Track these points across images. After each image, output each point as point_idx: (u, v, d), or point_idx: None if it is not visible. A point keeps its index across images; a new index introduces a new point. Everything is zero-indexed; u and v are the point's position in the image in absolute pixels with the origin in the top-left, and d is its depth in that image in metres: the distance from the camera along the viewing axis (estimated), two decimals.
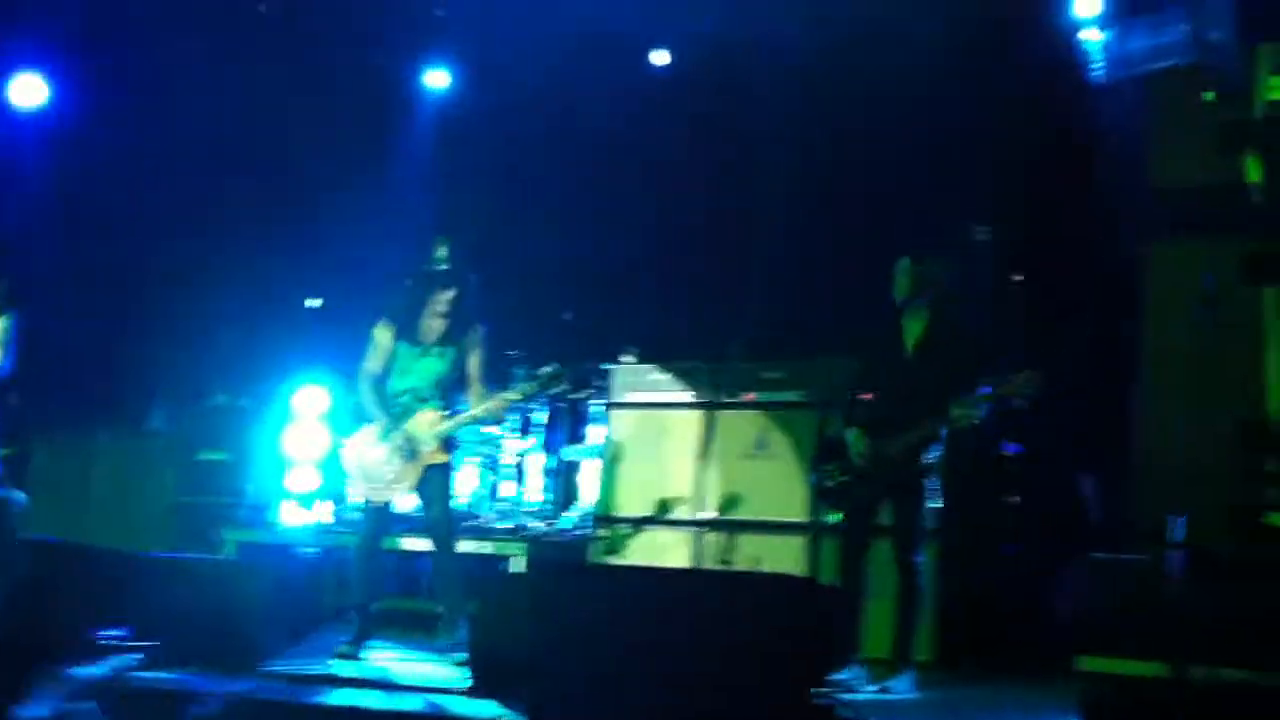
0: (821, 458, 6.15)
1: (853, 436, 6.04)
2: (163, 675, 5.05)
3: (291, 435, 9.11)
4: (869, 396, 6.21)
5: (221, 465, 9.24)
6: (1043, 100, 8.23)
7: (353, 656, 6.07)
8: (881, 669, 5.87)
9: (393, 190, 10.39)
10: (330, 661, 5.79)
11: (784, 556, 7.23)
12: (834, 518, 6.08)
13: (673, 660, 4.16)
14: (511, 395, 6.51)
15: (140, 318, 10.26)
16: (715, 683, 4.10)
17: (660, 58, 9.82)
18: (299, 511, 8.84)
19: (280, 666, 5.41)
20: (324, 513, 8.82)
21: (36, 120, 10.34)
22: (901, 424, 5.91)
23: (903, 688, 5.73)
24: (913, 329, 6.13)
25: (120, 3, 9.66)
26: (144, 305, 10.31)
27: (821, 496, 6.11)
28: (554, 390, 6.61)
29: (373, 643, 6.29)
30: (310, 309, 10.40)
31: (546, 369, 6.47)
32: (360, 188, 10.28)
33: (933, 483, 6.00)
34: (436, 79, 10.52)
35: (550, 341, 8.71)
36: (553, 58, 9.42)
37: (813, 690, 4.25)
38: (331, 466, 8.82)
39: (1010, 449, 7.87)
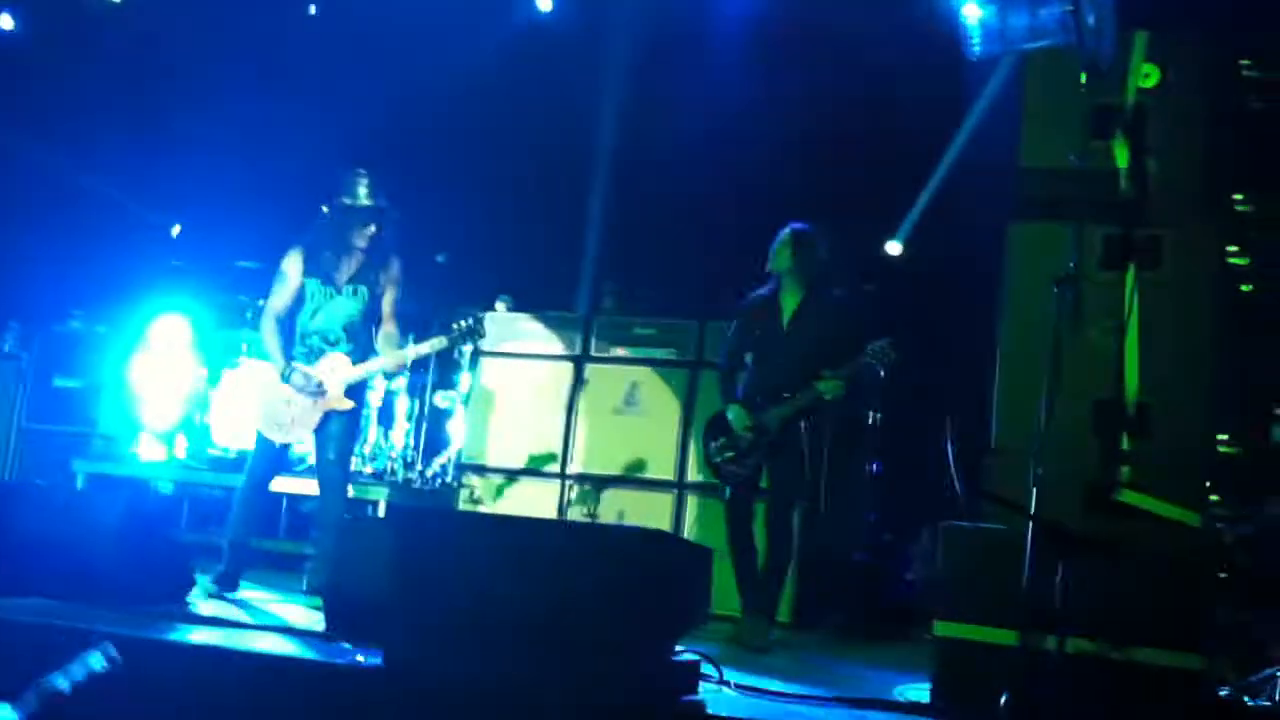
0: (710, 435, 6.29)
1: (733, 413, 6.19)
2: (12, 603, 4.89)
3: (145, 365, 8.85)
4: (744, 364, 6.34)
5: (75, 393, 8.95)
6: (917, 74, 8.34)
7: (220, 596, 5.97)
8: (742, 626, 5.98)
9: (264, 116, 10.11)
10: (188, 600, 5.67)
11: (650, 512, 7.32)
12: (726, 491, 6.25)
13: (531, 610, 4.15)
14: (423, 348, 6.40)
15: None
16: (573, 634, 4.11)
17: (544, 3, 9.70)
18: (155, 446, 8.61)
19: (131, 602, 5.27)
20: (181, 448, 8.60)
21: None
22: (776, 395, 6.06)
23: (768, 641, 5.84)
24: (789, 301, 6.23)
25: None
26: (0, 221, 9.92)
27: (714, 473, 6.30)
28: (467, 344, 6.50)
29: (243, 582, 6.19)
30: (173, 237, 10.09)
31: (463, 322, 6.39)
32: (233, 113, 9.99)
33: (807, 454, 6.14)
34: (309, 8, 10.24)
35: (422, 284, 8.58)
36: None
37: (674, 645, 4.30)
38: (195, 400, 8.61)
39: (871, 416, 8.06)
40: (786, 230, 6.23)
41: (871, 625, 7.12)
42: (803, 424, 6.07)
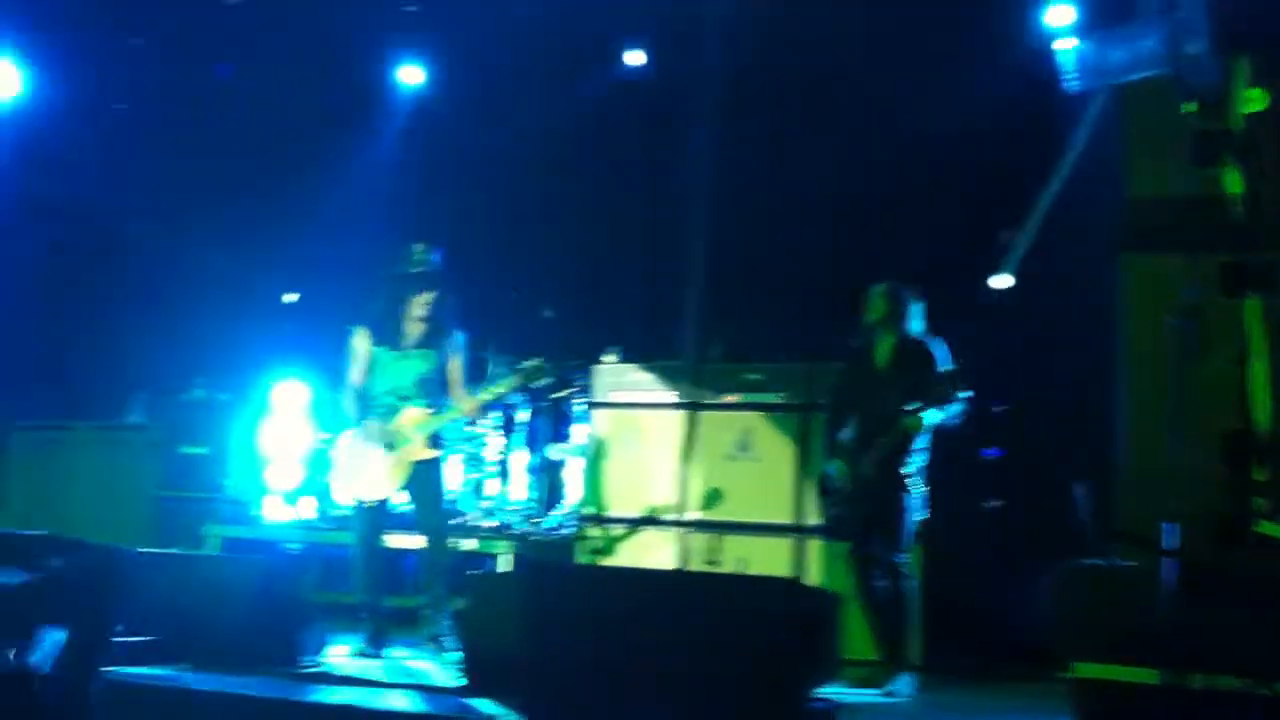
0: (821, 494, 6.49)
1: (835, 468, 6.34)
2: (159, 671, 5.05)
3: (270, 429, 9.11)
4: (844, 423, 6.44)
5: (202, 459, 9.22)
6: (1017, 110, 8.33)
7: (371, 655, 6.12)
8: (878, 672, 5.99)
9: (369, 185, 10.39)
10: (322, 660, 5.81)
11: (770, 558, 7.30)
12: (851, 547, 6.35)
13: (666, 662, 4.20)
14: (495, 389, 6.55)
15: (120, 311, 10.23)
16: (710, 685, 4.15)
17: (635, 57, 9.84)
18: (282, 507, 8.84)
19: (270, 663, 5.42)
20: (307, 509, 8.82)
21: (10, 111, 10.29)
22: (872, 441, 6.19)
23: (903, 690, 5.85)
24: (882, 349, 6.39)
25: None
26: (124, 298, 10.28)
27: (833, 533, 6.50)
28: (536, 384, 6.65)
29: (391, 644, 6.33)
30: (287, 305, 10.38)
31: (528, 363, 6.49)
32: (339, 182, 10.28)
33: (918, 492, 6.17)
34: (411, 75, 10.50)
35: (532, 340, 8.73)
36: (531, 51, 9.44)
37: (810, 694, 4.31)
38: (316, 462, 8.83)
39: (990, 454, 7.98)
40: (878, 287, 6.42)
41: (1003, 667, 7.02)
42: (900, 468, 6.15)
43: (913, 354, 6.29)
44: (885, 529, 6.15)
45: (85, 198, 10.29)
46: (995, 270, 8.84)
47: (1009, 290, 8.84)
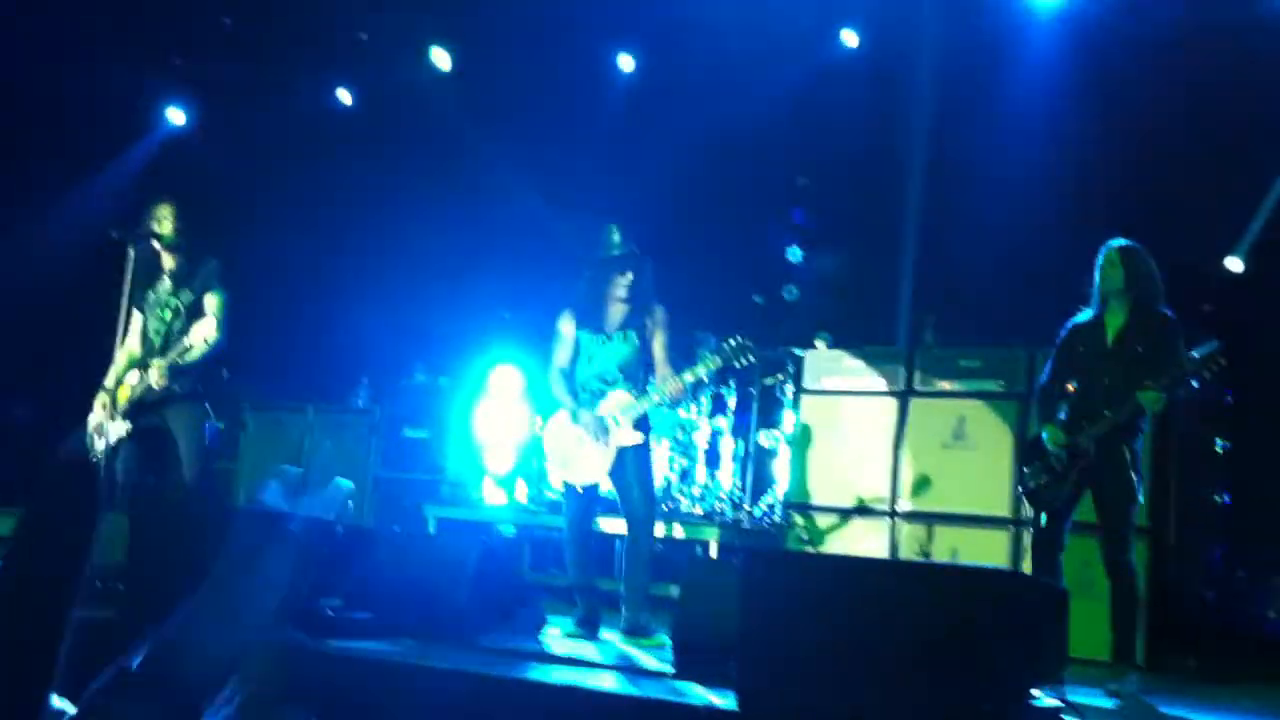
0: (1025, 459, 6.05)
1: (1048, 432, 5.89)
2: (383, 646, 5.21)
3: (486, 413, 9.34)
4: (1067, 389, 6.03)
5: (422, 442, 9.52)
6: (1248, 83, 7.90)
7: (584, 637, 6.21)
8: (1104, 672, 5.74)
9: (580, 173, 10.53)
10: (541, 639, 5.92)
11: (984, 550, 7.13)
12: (1042, 518, 5.91)
13: (884, 652, 4.12)
14: (698, 370, 6.50)
15: (348, 299, 10.64)
16: (928, 678, 4.06)
17: (850, 38, 9.70)
18: (497, 490, 9.06)
19: (490, 642, 5.54)
20: (521, 492, 9.02)
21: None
22: (1097, 415, 5.74)
23: (1129, 690, 5.58)
24: (1113, 320, 5.93)
25: None
26: (351, 287, 10.69)
27: (1028, 499, 5.99)
28: (739, 363, 6.55)
29: (603, 625, 6.39)
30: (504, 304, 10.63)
31: (731, 341, 6.43)
32: (550, 170, 10.45)
33: (1136, 478, 5.75)
34: (624, 62, 10.58)
35: (741, 326, 8.71)
36: (744, 36, 9.40)
37: (1032, 690, 4.18)
38: (530, 446, 9.02)
39: (1220, 445, 7.63)
40: (1113, 248, 5.92)
41: (1230, 667, 6.70)
42: (1125, 446, 5.71)
43: (1157, 329, 5.79)
44: (1112, 516, 5.72)
45: (316, 192, 10.75)
46: (1228, 253, 8.44)
47: (1241, 274, 8.44)
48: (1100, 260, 5.95)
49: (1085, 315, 6.03)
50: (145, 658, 4.53)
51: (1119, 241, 5.93)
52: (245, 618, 4.97)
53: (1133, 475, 5.70)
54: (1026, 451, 6.09)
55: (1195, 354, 5.56)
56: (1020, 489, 6.10)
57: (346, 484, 7.75)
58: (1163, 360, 5.67)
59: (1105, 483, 5.74)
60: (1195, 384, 5.68)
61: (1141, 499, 5.79)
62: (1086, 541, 6.12)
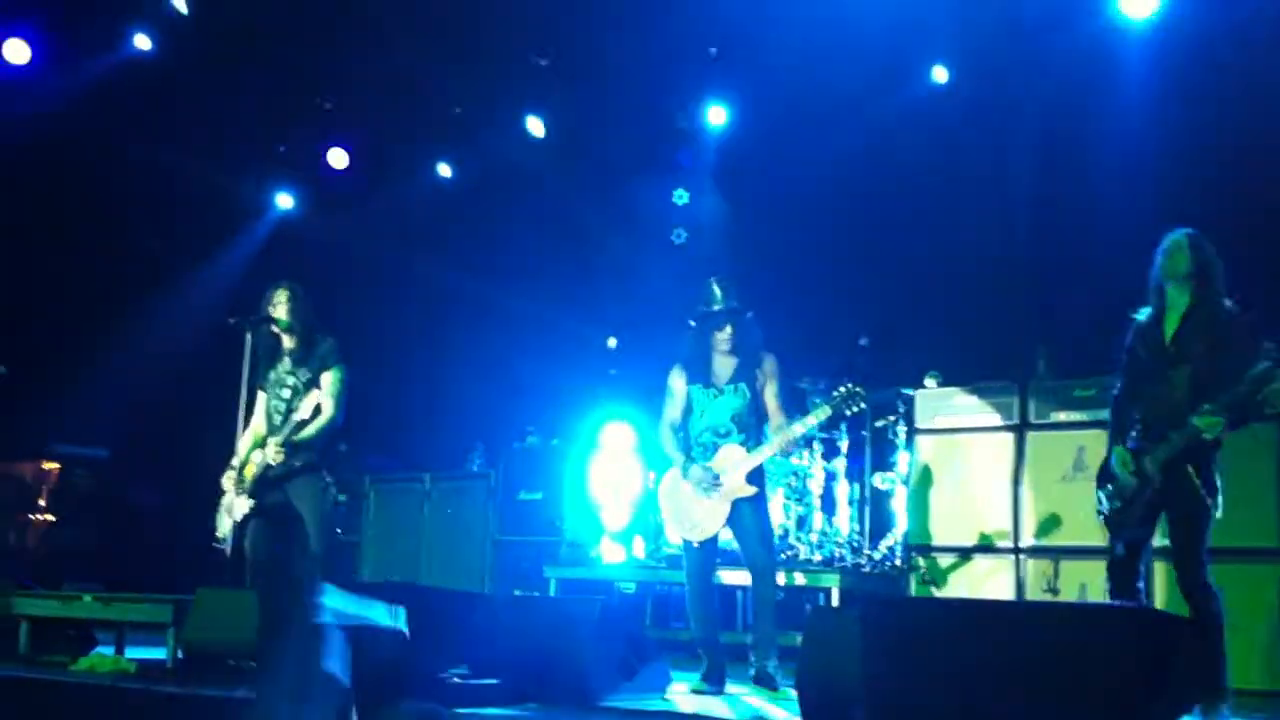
0: (1100, 482, 5.63)
1: (1117, 455, 5.51)
2: (509, 712, 5.24)
3: (601, 471, 9.40)
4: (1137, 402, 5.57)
5: (538, 504, 9.61)
6: None
7: (710, 692, 6.18)
8: (1257, 701, 5.50)
9: (679, 223, 10.62)
10: (667, 697, 5.91)
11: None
12: (1119, 548, 5.54)
13: (1010, 696, 4.05)
14: (809, 420, 6.48)
15: (455, 369, 10.83)
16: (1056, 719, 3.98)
17: (940, 74, 9.66)
18: (615, 548, 9.09)
19: (615, 702, 5.55)
20: (639, 548, 9.04)
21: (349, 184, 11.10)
22: (1160, 434, 5.33)
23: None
24: (1172, 316, 5.47)
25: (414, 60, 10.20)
26: (457, 356, 10.88)
27: (1105, 525, 5.63)
28: (850, 411, 6.51)
29: (729, 679, 6.35)
30: (610, 349, 10.72)
31: (842, 389, 6.40)
32: (648, 224, 10.56)
33: (1212, 497, 5.29)
34: (715, 115, 10.67)
35: (849, 368, 8.67)
36: (829, 81, 9.42)
37: None
38: (645, 501, 9.05)
39: None
40: (1179, 233, 5.48)
41: None
42: (1191, 465, 5.25)
43: (1220, 325, 5.32)
44: (1181, 538, 5.31)
45: (417, 261, 11.00)
46: None
47: None
48: (1164, 245, 5.51)
49: (1144, 313, 5.61)
50: None
51: (1182, 230, 5.50)
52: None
53: (1203, 492, 5.26)
54: (1101, 475, 5.66)
55: (1253, 373, 5.08)
56: (1099, 514, 5.68)
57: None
58: (1226, 370, 5.21)
59: (1173, 504, 5.35)
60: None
61: (1218, 513, 5.30)
62: (1214, 569, 5.94)
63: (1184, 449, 5.25)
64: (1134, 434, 5.49)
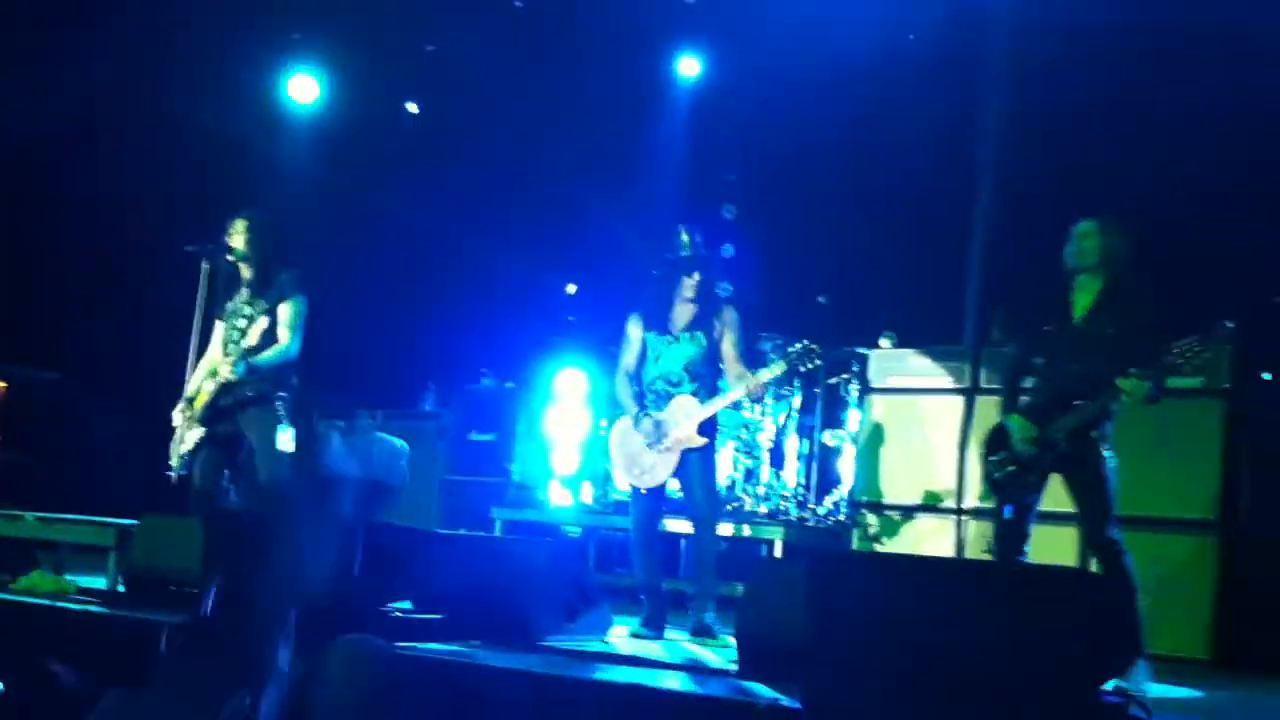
0: (989, 449, 5.76)
1: (1014, 423, 5.63)
2: (451, 648, 5.28)
3: (553, 416, 9.43)
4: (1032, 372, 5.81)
5: (489, 445, 9.64)
6: None
7: (650, 636, 6.24)
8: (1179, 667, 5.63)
9: (647, 175, 10.59)
10: (606, 639, 5.97)
11: (1053, 546, 7.04)
12: (1007, 510, 5.69)
13: (951, 653, 4.12)
14: (764, 375, 6.50)
15: (412, 307, 10.78)
16: (995, 678, 4.05)
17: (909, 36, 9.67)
18: (563, 492, 9.13)
19: (556, 642, 5.60)
20: (586, 493, 9.09)
21: (313, 117, 10.97)
22: (1066, 403, 5.48)
23: (1140, 680, 5.22)
24: (1082, 297, 5.63)
25: (384, 5, 10.11)
26: (415, 294, 10.83)
27: (993, 489, 5.77)
28: (806, 368, 6.55)
29: (669, 625, 6.42)
30: (569, 295, 10.72)
31: (797, 345, 6.42)
32: (616, 172, 10.52)
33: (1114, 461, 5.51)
34: (688, 67, 10.62)
35: (806, 325, 8.72)
36: (805, 36, 9.40)
37: (1100, 689, 4.16)
38: (593, 448, 9.08)
39: None
40: (1087, 220, 5.64)
41: None
42: (1095, 433, 5.46)
43: (1135, 309, 5.48)
44: (1092, 503, 5.47)
45: (383, 198, 10.91)
46: None
47: None
48: (1073, 231, 5.66)
49: (1051, 292, 5.78)
50: (212, 605, 4.70)
51: (1091, 221, 5.65)
52: (306, 570, 5.11)
53: (1107, 457, 5.47)
54: (990, 441, 5.79)
55: (1180, 345, 5.23)
56: (986, 479, 5.83)
57: (401, 444, 7.87)
58: (1137, 344, 5.37)
59: (1079, 470, 5.51)
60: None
61: (1117, 479, 5.50)
62: (1153, 538, 6.07)
63: (1095, 415, 5.42)
64: (1031, 402, 5.67)
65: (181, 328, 6.83)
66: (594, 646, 5.71)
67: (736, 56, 10.23)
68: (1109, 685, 4.35)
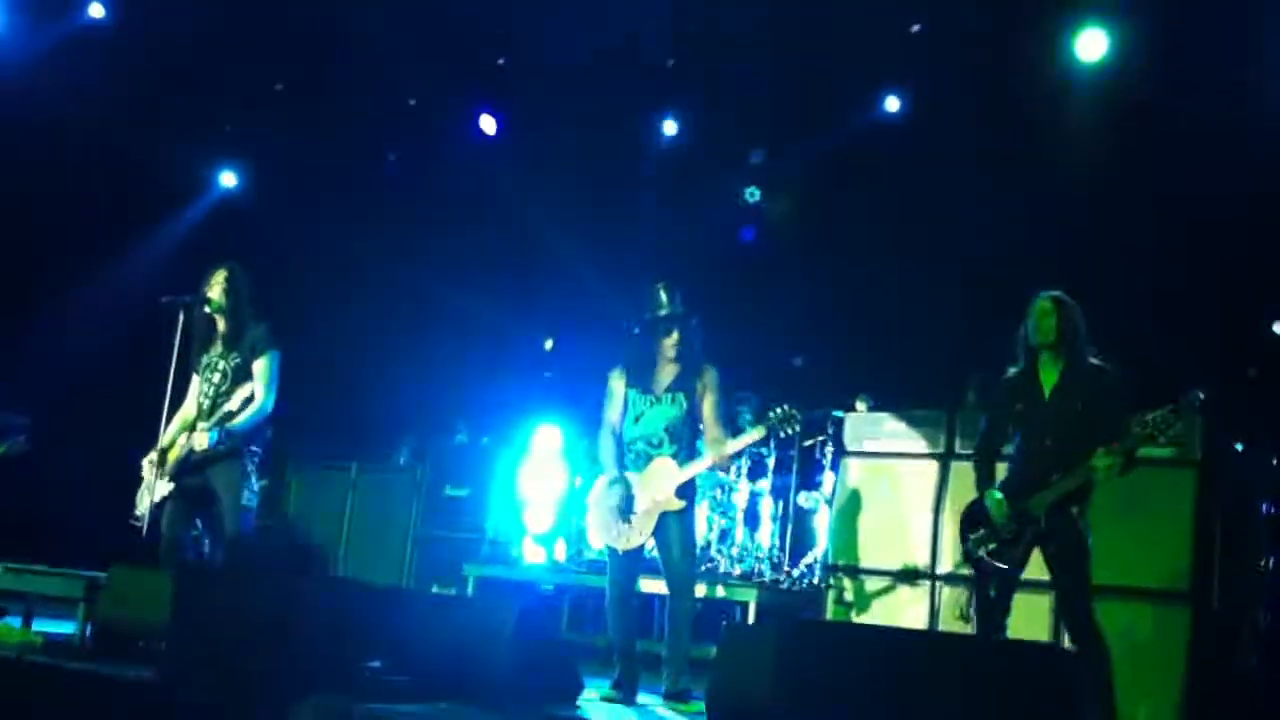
0: (968, 526, 5.82)
1: (991, 501, 5.72)
2: (417, 709, 5.23)
3: (529, 472, 9.40)
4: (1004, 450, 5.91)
5: (463, 501, 9.60)
6: None
7: (621, 700, 6.20)
8: None
9: (619, 234, 10.63)
10: (578, 704, 5.92)
11: (1028, 615, 7.03)
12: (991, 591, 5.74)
13: None
14: (744, 439, 6.52)
15: (389, 360, 10.77)
16: None
17: (891, 103, 9.79)
18: (537, 549, 9.09)
19: (525, 709, 5.55)
20: (560, 551, 9.05)
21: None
22: (1042, 480, 5.58)
23: None
24: (1048, 376, 5.73)
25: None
26: (392, 347, 10.82)
27: (974, 568, 5.82)
28: (785, 433, 6.56)
29: (641, 688, 6.37)
30: (546, 351, 10.73)
31: (777, 410, 6.43)
32: (591, 234, 10.58)
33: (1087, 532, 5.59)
34: (668, 127, 10.72)
35: (781, 387, 8.73)
36: (777, 99, 9.48)
37: None
38: (569, 505, 9.05)
39: (1266, 509, 7.54)
40: (1045, 297, 5.75)
41: None
42: (1075, 506, 5.54)
43: (1094, 384, 5.60)
44: (1069, 578, 5.55)
45: (357, 255, 10.93)
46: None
47: None
48: (1031, 309, 5.78)
49: (1016, 369, 5.88)
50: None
51: (1050, 292, 5.78)
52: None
53: (1084, 533, 5.55)
54: (967, 518, 5.86)
55: (1151, 417, 5.36)
56: (965, 558, 5.90)
57: None
58: (1107, 419, 5.49)
59: (1058, 546, 5.58)
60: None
61: (1091, 557, 5.58)
62: (1124, 606, 6.06)
63: (1072, 491, 5.51)
64: (1007, 479, 5.76)
65: (153, 376, 6.79)
66: (563, 713, 5.66)
67: (714, 115, 10.30)
68: None
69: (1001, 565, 5.65)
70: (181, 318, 6.70)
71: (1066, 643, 6.01)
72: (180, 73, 10.03)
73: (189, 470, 6.56)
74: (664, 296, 6.50)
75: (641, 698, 6.37)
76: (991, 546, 5.68)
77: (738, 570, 8.42)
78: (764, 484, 8.81)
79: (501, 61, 10.18)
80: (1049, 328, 5.68)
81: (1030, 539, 5.62)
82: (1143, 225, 8.31)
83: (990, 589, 5.72)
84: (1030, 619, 6.94)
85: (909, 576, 7.69)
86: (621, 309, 9.43)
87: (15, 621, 6.33)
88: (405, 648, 5.92)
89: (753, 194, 10.50)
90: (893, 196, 9.43)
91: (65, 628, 6.35)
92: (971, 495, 7.45)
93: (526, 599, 8.41)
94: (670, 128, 10.70)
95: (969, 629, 6.25)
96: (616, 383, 6.60)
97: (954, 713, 4.04)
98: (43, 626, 6.35)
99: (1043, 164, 8.85)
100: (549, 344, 10.68)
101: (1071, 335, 5.67)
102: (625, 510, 6.38)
